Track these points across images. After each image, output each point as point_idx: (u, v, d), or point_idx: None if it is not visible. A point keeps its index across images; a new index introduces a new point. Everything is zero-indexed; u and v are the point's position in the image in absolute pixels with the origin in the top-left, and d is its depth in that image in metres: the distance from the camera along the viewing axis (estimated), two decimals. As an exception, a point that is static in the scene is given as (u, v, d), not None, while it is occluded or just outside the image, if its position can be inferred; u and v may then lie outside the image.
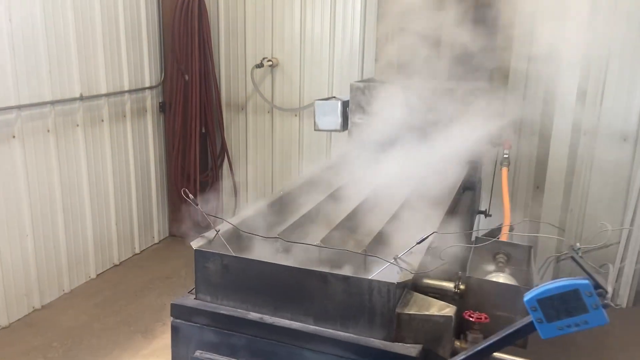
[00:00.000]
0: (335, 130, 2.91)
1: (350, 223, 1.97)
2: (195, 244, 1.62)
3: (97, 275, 4.01)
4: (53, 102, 3.45)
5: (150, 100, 4.42)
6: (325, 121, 2.88)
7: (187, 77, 4.35)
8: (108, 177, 4.03)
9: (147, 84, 4.35)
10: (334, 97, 3.03)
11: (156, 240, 4.69)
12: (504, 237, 1.88)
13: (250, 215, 1.90)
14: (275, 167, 4.73)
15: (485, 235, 1.96)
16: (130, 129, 4.21)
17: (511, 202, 3.92)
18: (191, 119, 4.45)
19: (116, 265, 4.20)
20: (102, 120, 3.92)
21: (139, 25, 4.19)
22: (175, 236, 4.82)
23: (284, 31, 4.40)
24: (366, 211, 2.07)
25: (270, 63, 4.41)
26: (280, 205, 2.11)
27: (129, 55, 4.09)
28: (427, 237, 1.51)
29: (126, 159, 4.21)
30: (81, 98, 3.67)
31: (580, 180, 3.79)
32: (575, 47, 3.34)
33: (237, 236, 1.76)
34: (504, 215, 2.08)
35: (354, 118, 2.77)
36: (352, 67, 4.26)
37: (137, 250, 4.46)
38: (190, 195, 1.63)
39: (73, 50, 3.57)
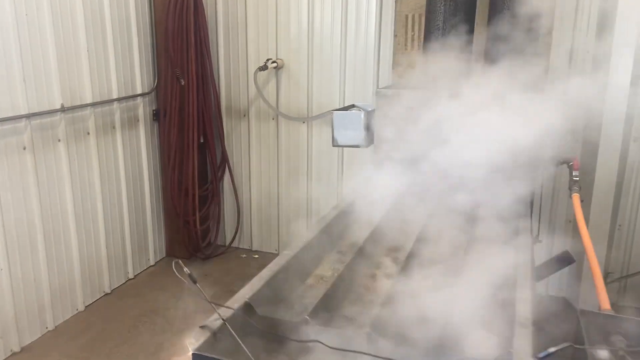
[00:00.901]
0: (357, 146, 2.47)
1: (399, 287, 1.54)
2: (193, 342, 1.16)
3: (86, 307, 3.56)
4: (29, 116, 3.00)
5: (143, 109, 3.96)
6: (346, 136, 2.44)
7: (182, 82, 3.90)
8: (96, 196, 3.58)
9: (139, 91, 3.89)
10: (354, 105, 2.59)
11: (152, 262, 4.24)
12: (604, 304, 1.43)
13: (264, 282, 1.45)
14: (281, 180, 4.28)
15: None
16: (121, 141, 3.75)
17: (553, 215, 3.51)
18: (188, 127, 4.00)
19: (107, 294, 3.76)
20: (88, 133, 3.47)
21: (128, 23, 3.73)
22: (173, 256, 4.38)
23: (289, 29, 3.94)
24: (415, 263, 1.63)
25: (274, 65, 3.96)
26: (300, 264, 1.67)
27: (117, 57, 3.63)
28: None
29: (116, 174, 3.76)
30: (63, 109, 3.21)
31: (630, 192, 3.36)
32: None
33: (252, 313, 1.32)
34: (589, 261, 1.65)
35: (383, 132, 2.33)
36: (367, 69, 3.82)
37: (131, 275, 4.01)
38: (185, 268, 1.19)
39: (51, 52, 3.11)
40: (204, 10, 3.96)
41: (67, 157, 3.30)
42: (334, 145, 2.50)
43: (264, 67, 3.89)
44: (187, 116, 3.98)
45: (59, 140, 3.25)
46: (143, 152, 4.00)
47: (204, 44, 3.98)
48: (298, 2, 3.87)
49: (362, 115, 2.41)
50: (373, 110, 2.49)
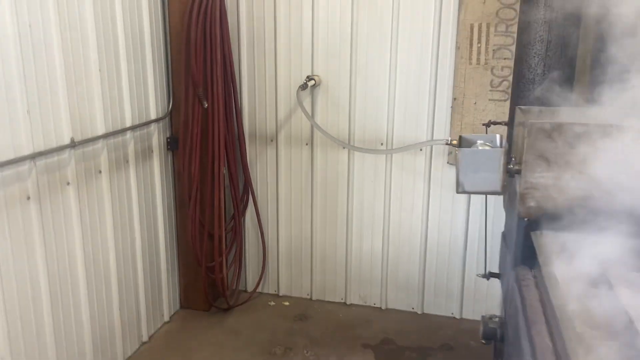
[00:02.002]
0: (493, 193, 1.96)
1: None
2: None
3: (100, 387, 2.87)
4: (34, 156, 2.31)
5: (157, 137, 3.30)
6: (477, 180, 1.92)
7: (206, 104, 3.27)
8: (109, 251, 2.90)
9: (153, 116, 3.23)
10: (483, 137, 2.06)
11: (166, 319, 3.56)
12: None
13: None
14: (315, 214, 3.70)
15: None
16: (134, 178, 3.08)
17: None
18: (213, 157, 3.37)
19: (123, 367, 3.07)
20: (100, 172, 2.79)
21: (142, 35, 3.07)
22: (188, 308, 3.71)
23: (327, 40, 3.39)
24: None
25: (312, 82, 3.39)
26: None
27: (130, 77, 2.96)
28: None
29: (130, 221, 3.09)
30: (72, 145, 2.53)
31: None
32: None
33: None
34: None
35: (531, 176, 1.83)
36: (421, 85, 3.31)
37: (145, 338, 3.32)
38: None
39: (59, 74, 2.43)
40: (227, 20, 3.36)
41: (78, 205, 2.62)
42: (459, 192, 1.97)
43: (304, 86, 3.32)
44: (211, 144, 3.35)
45: (68, 184, 2.56)
46: (157, 189, 3.33)
47: (229, 59, 3.37)
48: (339, 8, 3.33)
49: (501, 153, 1.89)
50: (508, 146, 1.98)
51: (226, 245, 3.66)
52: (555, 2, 2.27)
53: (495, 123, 2.81)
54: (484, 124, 2.87)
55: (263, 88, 3.59)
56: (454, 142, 2.16)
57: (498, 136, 2.06)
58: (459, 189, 1.96)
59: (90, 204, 2.73)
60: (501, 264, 2.39)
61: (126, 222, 3.05)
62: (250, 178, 3.70)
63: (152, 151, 3.27)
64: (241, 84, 3.60)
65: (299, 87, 3.30)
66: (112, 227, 2.90)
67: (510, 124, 2.46)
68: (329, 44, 3.39)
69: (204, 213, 3.44)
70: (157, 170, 3.31)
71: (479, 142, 2.05)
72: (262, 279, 3.89)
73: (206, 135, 3.35)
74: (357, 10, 3.31)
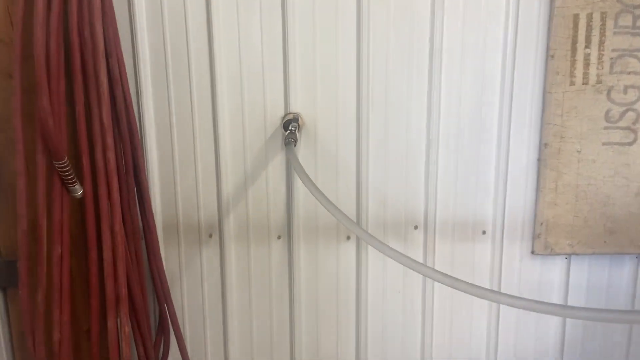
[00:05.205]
0: None
1: None
2: None
3: None
4: None
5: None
6: None
7: (80, 192, 1.52)
8: None
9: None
10: None
11: None
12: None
13: None
14: (298, 352, 2.09)
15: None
16: None
17: None
18: (100, 290, 1.61)
19: None
20: None
21: None
22: None
23: (314, 49, 1.84)
24: None
25: (296, 126, 1.80)
26: None
27: None
28: None
29: None
30: None
31: None
32: None
33: None
34: None
35: None
36: (482, 129, 1.90)
37: None
38: None
39: None
40: (114, 16, 1.64)
41: None
42: None
43: (291, 136, 1.70)
44: (93, 268, 1.59)
45: None
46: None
47: (125, 92, 1.65)
48: (336, 17, 1.80)
49: None
50: None
51: None
52: None
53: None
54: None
55: (189, 143, 1.91)
56: None
57: None
58: None
59: None
60: None
61: None
62: (171, 309, 1.96)
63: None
64: (145, 138, 1.89)
65: (286, 138, 1.68)
66: None
67: None
68: (317, 57, 1.84)
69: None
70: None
71: None
72: None
73: (82, 252, 1.59)
74: (368, 6, 1.81)
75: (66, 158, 1.46)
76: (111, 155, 1.53)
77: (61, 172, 1.47)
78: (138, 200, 1.80)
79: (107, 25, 1.56)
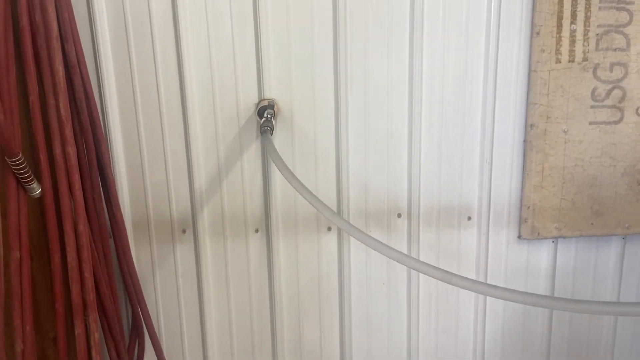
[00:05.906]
0: None
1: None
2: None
3: None
4: None
5: None
6: None
7: (38, 191, 1.39)
8: None
9: None
10: None
11: None
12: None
13: None
14: (279, 346, 2.01)
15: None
16: None
17: None
18: (65, 310, 1.49)
19: None
20: None
21: None
22: None
23: (287, 29, 1.72)
24: None
25: (271, 113, 1.69)
26: None
27: None
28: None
29: None
30: None
31: None
32: None
33: None
34: None
35: None
36: (467, 105, 1.82)
37: None
38: None
39: None
40: (70, 4, 1.50)
41: None
42: None
43: (268, 124, 1.60)
44: (57, 272, 1.47)
45: None
46: None
47: (85, 80, 1.52)
48: None
49: None
50: None
51: None
52: None
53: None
54: None
55: (157, 133, 1.79)
56: None
57: None
58: None
59: None
60: None
61: None
62: (144, 309, 1.86)
63: None
64: (109, 129, 1.76)
65: (262, 126, 1.58)
66: None
67: None
68: (292, 36, 1.72)
69: None
70: None
71: None
72: None
73: (45, 255, 1.46)
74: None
75: (21, 154, 1.33)
76: (71, 149, 1.40)
77: (16, 169, 1.34)
78: (104, 196, 1.68)
79: (61, 6, 1.43)
